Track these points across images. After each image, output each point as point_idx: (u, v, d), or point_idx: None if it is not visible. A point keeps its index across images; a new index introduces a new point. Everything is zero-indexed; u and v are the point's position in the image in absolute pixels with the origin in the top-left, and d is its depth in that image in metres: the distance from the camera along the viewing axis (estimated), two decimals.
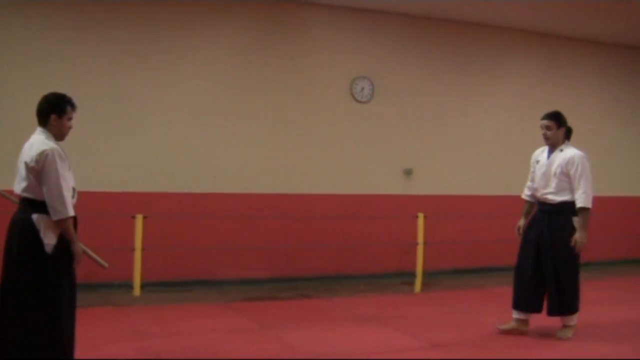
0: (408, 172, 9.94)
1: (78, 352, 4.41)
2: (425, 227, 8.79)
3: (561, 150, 6.13)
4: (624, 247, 11.47)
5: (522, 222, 6.39)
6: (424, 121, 10.10)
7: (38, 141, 4.19)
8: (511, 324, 6.26)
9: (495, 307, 7.64)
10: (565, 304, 6.02)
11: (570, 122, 6.27)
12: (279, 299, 8.04)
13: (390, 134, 9.85)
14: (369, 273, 9.57)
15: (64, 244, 4.17)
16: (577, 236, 5.93)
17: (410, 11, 9.73)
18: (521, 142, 9.71)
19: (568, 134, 6.24)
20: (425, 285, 8.78)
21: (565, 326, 6.10)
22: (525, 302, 6.19)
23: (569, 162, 6.02)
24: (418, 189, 9.98)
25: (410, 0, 9.21)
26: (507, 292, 8.48)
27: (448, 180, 10.20)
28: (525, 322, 6.23)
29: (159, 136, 8.60)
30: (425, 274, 8.83)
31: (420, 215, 8.79)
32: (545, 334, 6.20)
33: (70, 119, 4.36)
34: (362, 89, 9.68)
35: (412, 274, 8.84)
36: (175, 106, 8.68)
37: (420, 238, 8.77)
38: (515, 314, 6.24)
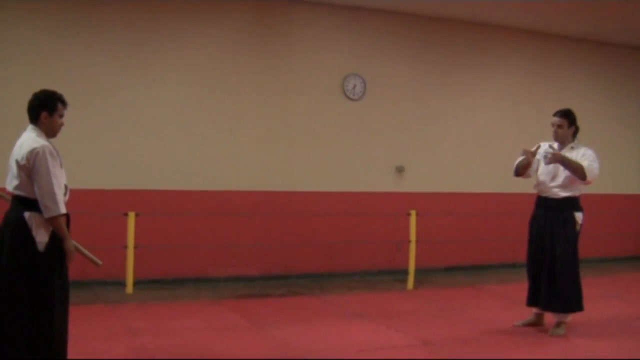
0: (400, 170, 9.94)
1: (70, 350, 4.39)
2: (417, 225, 8.78)
3: (572, 148, 6.09)
4: (617, 244, 11.53)
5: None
6: (416, 118, 10.10)
7: (29, 139, 4.17)
8: (528, 319, 6.40)
9: (488, 304, 7.68)
10: (561, 300, 6.01)
11: None
12: (271, 297, 8.03)
13: (382, 131, 9.84)
14: (361, 270, 9.58)
15: (56, 242, 4.15)
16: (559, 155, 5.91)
17: (402, 9, 9.72)
18: (514, 139, 9.73)
19: (575, 133, 6.20)
20: (417, 282, 8.79)
21: (558, 323, 6.12)
22: (533, 297, 6.26)
23: (583, 157, 5.99)
24: (410, 187, 9.98)
25: None
26: (499, 289, 8.61)
27: (440, 178, 10.21)
28: (539, 316, 6.34)
29: (151, 134, 8.56)
30: (417, 271, 8.84)
31: (413, 213, 8.79)
32: (538, 331, 6.23)
33: (61, 116, 4.33)
34: (354, 86, 9.66)
35: (404, 272, 8.84)
36: (166, 104, 8.64)
37: (412, 235, 8.76)
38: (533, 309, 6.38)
